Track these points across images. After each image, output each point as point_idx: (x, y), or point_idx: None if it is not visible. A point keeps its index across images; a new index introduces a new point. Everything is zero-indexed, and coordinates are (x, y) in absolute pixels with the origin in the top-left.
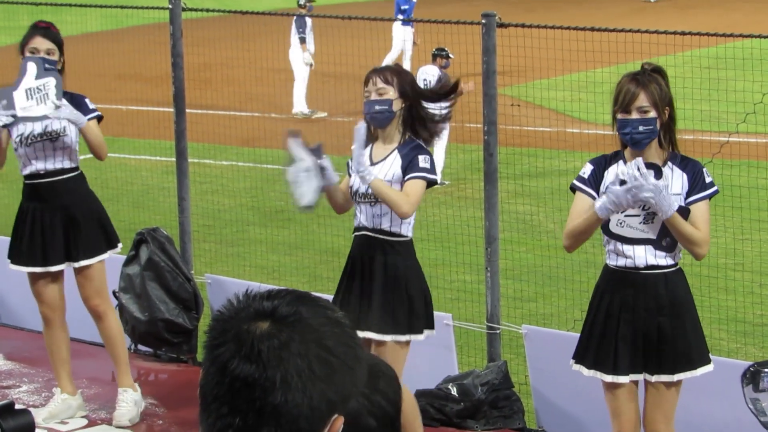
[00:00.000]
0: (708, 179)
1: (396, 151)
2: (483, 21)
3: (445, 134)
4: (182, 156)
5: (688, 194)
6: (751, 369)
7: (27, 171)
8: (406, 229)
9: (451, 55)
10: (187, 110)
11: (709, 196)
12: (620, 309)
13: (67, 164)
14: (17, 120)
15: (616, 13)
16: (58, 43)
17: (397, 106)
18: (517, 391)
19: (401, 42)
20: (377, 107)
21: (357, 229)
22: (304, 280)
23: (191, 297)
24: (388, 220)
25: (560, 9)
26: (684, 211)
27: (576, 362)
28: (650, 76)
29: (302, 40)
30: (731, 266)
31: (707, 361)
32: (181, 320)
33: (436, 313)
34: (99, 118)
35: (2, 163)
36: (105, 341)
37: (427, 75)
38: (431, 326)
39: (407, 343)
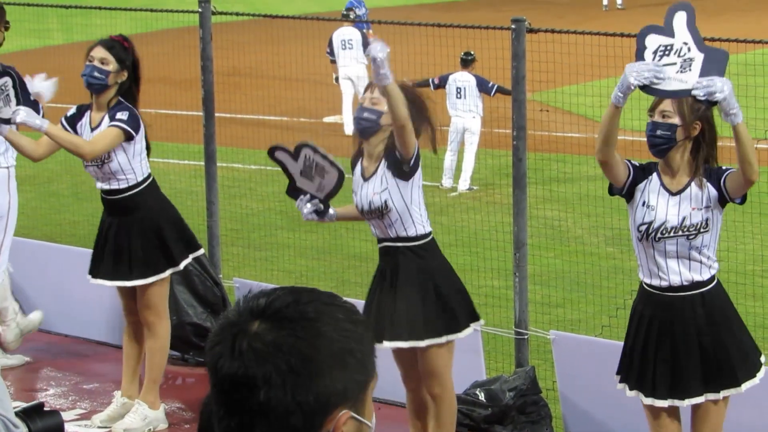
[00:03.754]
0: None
1: (383, 162)
2: (513, 26)
3: (475, 140)
4: (211, 160)
5: (719, 182)
6: None
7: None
8: (422, 228)
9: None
10: (217, 114)
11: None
12: (659, 332)
13: (122, 185)
14: None
15: (648, 19)
16: (119, 56)
17: (386, 120)
18: (544, 397)
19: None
20: (365, 114)
21: (379, 240)
22: (332, 285)
23: (219, 301)
24: (401, 226)
25: (589, 15)
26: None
27: (620, 381)
28: None
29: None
30: (759, 273)
31: (754, 372)
32: (209, 324)
33: None
34: (125, 132)
35: (30, 154)
36: (146, 353)
37: (461, 83)
38: (476, 318)
39: (448, 343)
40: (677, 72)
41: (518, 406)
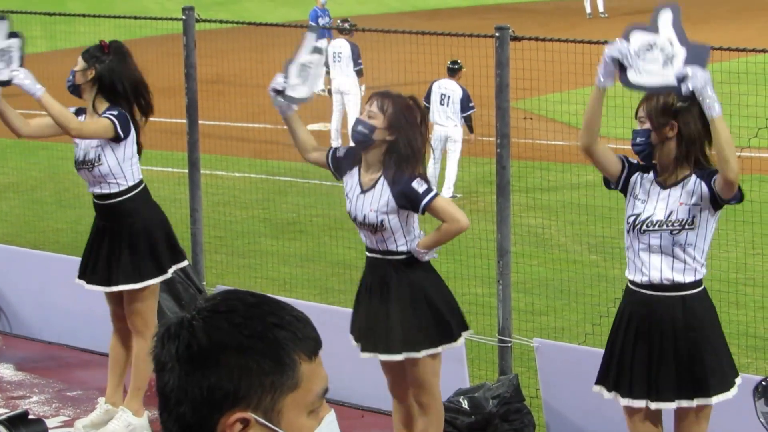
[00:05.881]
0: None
1: (382, 178)
2: (497, 34)
3: (457, 148)
4: (195, 167)
5: (711, 182)
6: (763, 383)
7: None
8: (414, 245)
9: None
10: (200, 121)
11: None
12: (636, 331)
13: (114, 189)
14: None
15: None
16: (86, 56)
17: (380, 136)
18: (528, 405)
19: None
20: (359, 127)
21: (368, 249)
22: (316, 293)
23: None
24: (393, 242)
25: (573, 23)
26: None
27: (597, 383)
28: None
29: (359, 73)
30: (742, 281)
31: (727, 387)
32: None
33: None
34: (113, 126)
35: (16, 128)
36: (132, 360)
37: (446, 90)
38: (465, 327)
39: (439, 353)
40: (661, 67)
41: (501, 413)
